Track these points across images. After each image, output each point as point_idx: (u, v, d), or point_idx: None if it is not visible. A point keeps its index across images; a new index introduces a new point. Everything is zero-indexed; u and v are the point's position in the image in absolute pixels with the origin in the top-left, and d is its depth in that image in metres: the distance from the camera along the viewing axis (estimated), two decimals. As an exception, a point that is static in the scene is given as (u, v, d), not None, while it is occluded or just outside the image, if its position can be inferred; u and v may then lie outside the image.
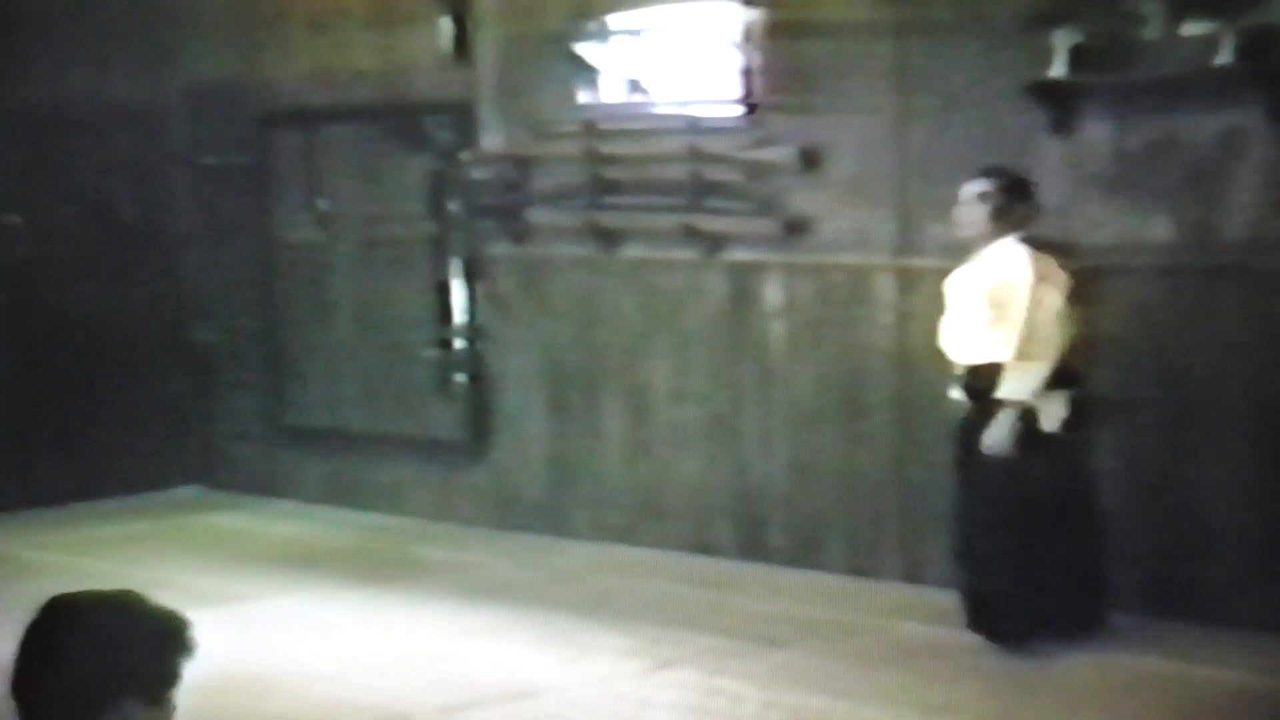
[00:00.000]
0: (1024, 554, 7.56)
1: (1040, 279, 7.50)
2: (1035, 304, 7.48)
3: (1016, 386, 7.52)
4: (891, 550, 8.76)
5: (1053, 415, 7.53)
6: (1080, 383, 7.62)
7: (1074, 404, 7.56)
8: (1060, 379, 7.54)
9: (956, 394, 7.74)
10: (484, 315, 10.56)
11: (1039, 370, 7.50)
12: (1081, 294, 7.64)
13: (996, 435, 7.52)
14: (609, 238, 9.90)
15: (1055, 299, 7.50)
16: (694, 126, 9.49)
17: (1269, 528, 7.80)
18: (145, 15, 11.71)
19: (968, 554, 7.78)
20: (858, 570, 8.83)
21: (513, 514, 10.45)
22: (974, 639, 7.64)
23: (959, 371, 7.75)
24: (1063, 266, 7.59)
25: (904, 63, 8.71)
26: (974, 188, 7.72)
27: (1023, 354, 7.52)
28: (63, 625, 3.03)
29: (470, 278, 10.57)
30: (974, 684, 7.23)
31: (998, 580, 7.62)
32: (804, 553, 9.18)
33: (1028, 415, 7.51)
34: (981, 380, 7.61)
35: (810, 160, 9.05)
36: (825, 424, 9.10)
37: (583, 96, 9.95)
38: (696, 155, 9.44)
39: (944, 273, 8.43)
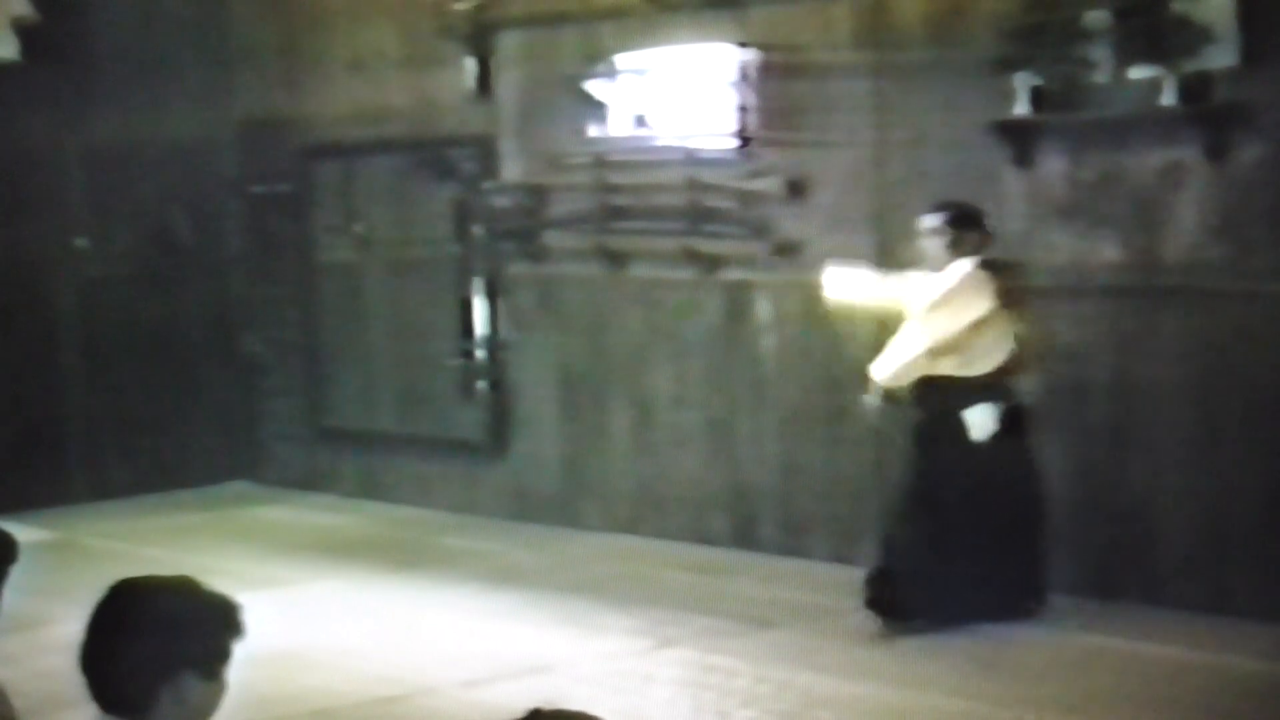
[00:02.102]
0: (937, 546, 7.55)
1: (968, 294, 7.54)
2: (954, 313, 7.53)
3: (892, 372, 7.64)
4: (870, 540, 8.76)
5: (981, 425, 7.54)
6: (1009, 394, 7.63)
7: (1004, 414, 7.56)
8: (990, 391, 7.55)
9: (872, 401, 7.78)
10: (504, 328, 10.60)
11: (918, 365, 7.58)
12: (1018, 311, 7.67)
13: (980, 422, 7.56)
14: (616, 259, 9.92)
15: (976, 311, 7.52)
16: (692, 158, 9.48)
17: (1205, 519, 7.82)
18: (200, 59, 11.74)
19: (887, 539, 7.80)
20: (840, 558, 8.80)
21: (529, 507, 10.45)
22: (870, 616, 7.67)
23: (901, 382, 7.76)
24: (1010, 285, 7.60)
25: (882, 102, 8.72)
26: (930, 222, 7.75)
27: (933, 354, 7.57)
28: (127, 607, 3.03)
29: (491, 294, 10.56)
30: (942, 661, 7.24)
31: (904, 566, 7.63)
32: (792, 542, 9.19)
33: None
34: (928, 389, 7.65)
35: (797, 189, 9.06)
36: (811, 427, 9.12)
37: (593, 131, 9.93)
38: (695, 185, 9.44)
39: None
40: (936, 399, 7.64)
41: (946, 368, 7.61)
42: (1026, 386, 7.73)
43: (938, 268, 7.73)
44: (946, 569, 7.56)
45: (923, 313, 7.60)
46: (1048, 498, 7.82)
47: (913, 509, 7.68)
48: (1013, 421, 7.62)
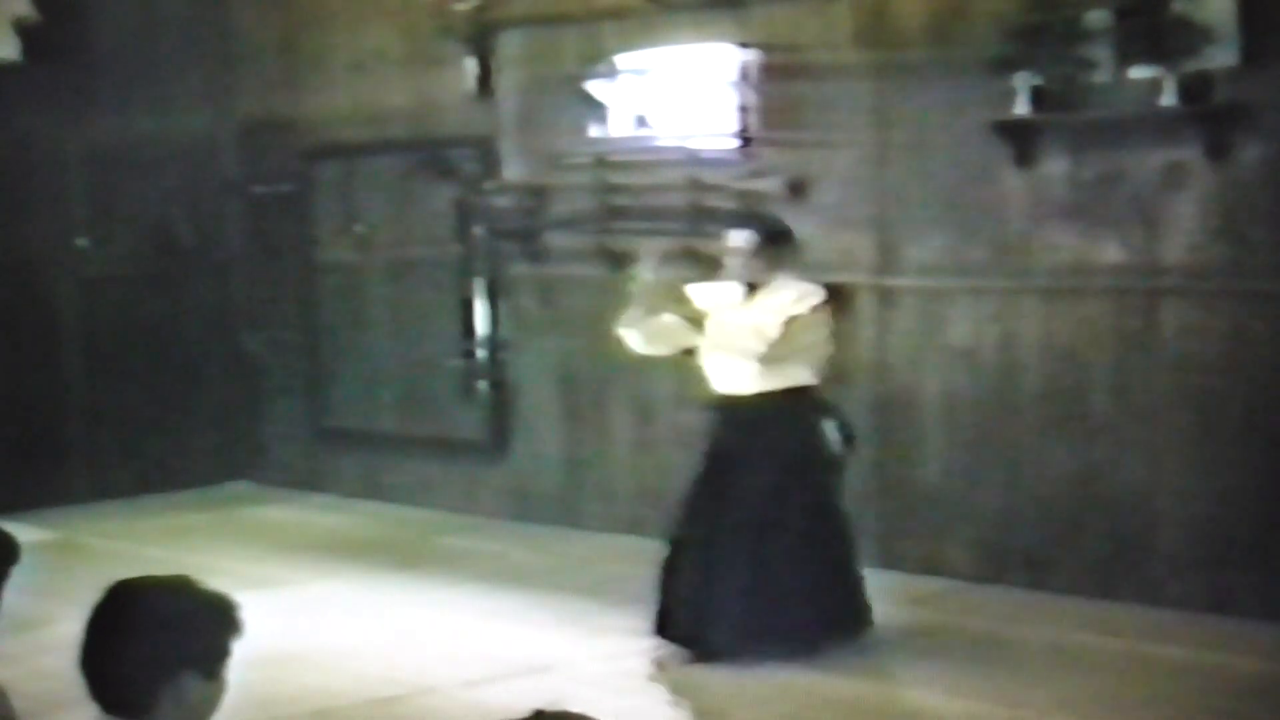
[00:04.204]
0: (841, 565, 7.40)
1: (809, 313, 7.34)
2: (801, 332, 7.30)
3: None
4: (870, 540, 8.75)
5: (838, 437, 7.33)
6: (834, 408, 7.45)
7: (841, 428, 7.37)
8: (831, 404, 7.38)
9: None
10: (504, 328, 10.61)
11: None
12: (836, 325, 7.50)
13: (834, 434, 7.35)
14: (617, 259, 9.92)
15: (819, 329, 7.33)
16: (693, 158, 9.49)
17: (1205, 519, 7.84)
18: (201, 58, 11.77)
19: (698, 565, 7.35)
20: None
21: (530, 507, 10.46)
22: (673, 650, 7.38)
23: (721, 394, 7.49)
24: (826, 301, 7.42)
25: (882, 102, 8.73)
26: (742, 240, 7.40)
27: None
28: (126, 607, 3.04)
29: (492, 295, 10.59)
30: (942, 661, 7.25)
31: (726, 592, 7.27)
32: (792, 543, 9.21)
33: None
34: (775, 403, 7.35)
35: (798, 189, 9.07)
36: (811, 427, 9.13)
37: (594, 131, 9.94)
38: (696, 185, 9.45)
39: (920, 290, 8.51)
40: (790, 411, 7.37)
41: (799, 379, 7.36)
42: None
43: (754, 283, 7.41)
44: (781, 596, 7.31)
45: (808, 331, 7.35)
46: None
47: (812, 530, 7.35)
48: (849, 435, 7.45)
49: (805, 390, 7.38)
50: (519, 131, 10.35)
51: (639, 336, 7.57)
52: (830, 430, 7.38)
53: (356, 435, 11.44)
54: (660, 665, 7.33)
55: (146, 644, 2.98)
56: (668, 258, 7.70)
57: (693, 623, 7.31)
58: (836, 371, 7.52)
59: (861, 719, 6.67)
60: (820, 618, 7.34)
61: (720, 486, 7.39)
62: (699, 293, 7.56)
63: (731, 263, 7.47)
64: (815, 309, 7.32)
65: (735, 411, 7.42)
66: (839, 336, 7.50)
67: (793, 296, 7.35)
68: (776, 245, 7.49)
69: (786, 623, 7.26)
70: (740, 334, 7.34)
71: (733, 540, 7.28)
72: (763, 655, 7.20)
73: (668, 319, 7.54)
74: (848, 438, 7.42)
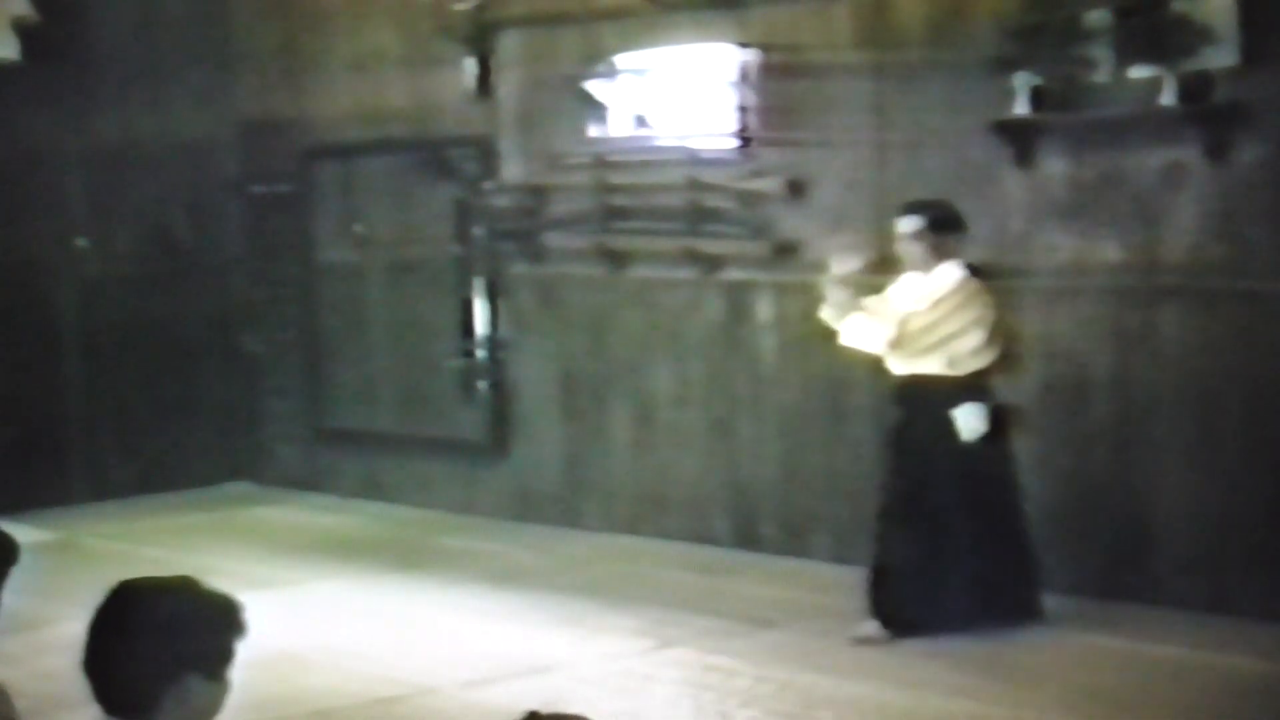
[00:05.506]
0: (934, 553, 7.53)
1: (967, 299, 7.50)
2: (944, 319, 7.50)
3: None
4: (870, 540, 8.78)
5: (970, 425, 7.45)
6: (992, 394, 7.56)
7: (990, 414, 7.50)
8: (976, 390, 7.50)
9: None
10: (504, 328, 10.61)
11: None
12: (1002, 311, 7.61)
13: (969, 422, 7.50)
14: (617, 259, 9.93)
15: (977, 315, 7.49)
16: (693, 158, 9.49)
17: (1205, 519, 7.83)
18: (201, 58, 11.76)
19: (883, 546, 7.72)
20: (841, 559, 8.78)
21: (530, 507, 10.46)
22: (873, 624, 7.60)
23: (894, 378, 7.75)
24: (994, 287, 7.59)
25: (882, 102, 8.74)
26: (911, 226, 7.59)
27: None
28: (129, 608, 3.02)
29: (492, 295, 10.59)
30: (942, 661, 7.24)
31: (903, 572, 7.58)
32: (792, 543, 9.20)
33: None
34: (914, 389, 7.59)
35: (797, 189, 9.08)
36: (811, 427, 9.13)
37: (593, 131, 9.95)
38: (695, 185, 9.45)
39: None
40: (923, 398, 7.56)
41: (933, 367, 7.53)
42: (1011, 386, 7.71)
43: (921, 270, 7.62)
44: (945, 576, 7.54)
45: (916, 312, 7.54)
46: (1025, 497, 7.79)
47: (907, 513, 7.62)
48: (997, 421, 7.56)
49: (937, 379, 7.50)
50: (518, 131, 10.35)
51: (839, 324, 7.79)
52: (966, 418, 7.46)
53: (356, 435, 11.43)
54: (862, 643, 7.51)
55: (149, 645, 2.96)
56: (855, 249, 7.85)
57: (883, 599, 7.62)
58: (1005, 359, 7.61)
59: (862, 719, 6.66)
60: (976, 599, 7.56)
61: (889, 464, 7.78)
62: (897, 284, 7.72)
63: (900, 250, 7.65)
64: (938, 304, 7.47)
65: (895, 392, 7.73)
66: (997, 326, 7.54)
67: (924, 293, 7.52)
68: (941, 232, 7.59)
69: (943, 601, 7.51)
70: (863, 332, 7.62)
71: (887, 518, 7.70)
72: (944, 629, 7.44)
73: (860, 307, 7.72)
74: (996, 424, 7.52)
